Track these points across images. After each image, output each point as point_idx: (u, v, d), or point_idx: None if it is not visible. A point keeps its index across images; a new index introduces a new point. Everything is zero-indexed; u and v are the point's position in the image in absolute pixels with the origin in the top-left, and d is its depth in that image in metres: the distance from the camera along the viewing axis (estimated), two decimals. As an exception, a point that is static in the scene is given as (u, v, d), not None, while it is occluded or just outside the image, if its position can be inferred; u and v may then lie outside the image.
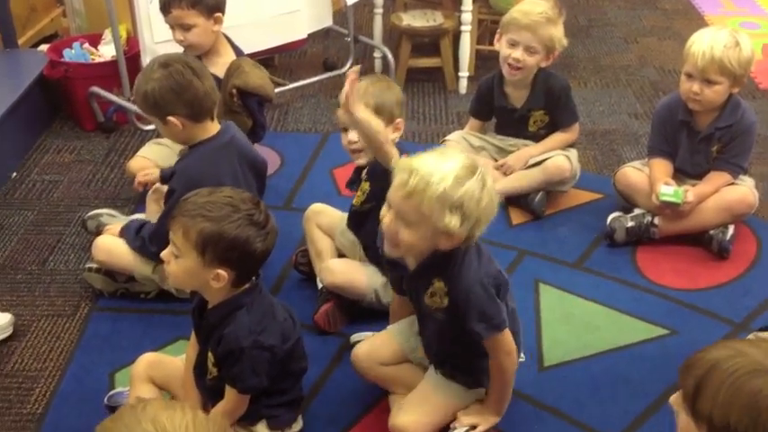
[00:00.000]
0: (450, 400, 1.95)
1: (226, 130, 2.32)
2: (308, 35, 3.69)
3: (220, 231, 1.67)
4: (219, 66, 2.74)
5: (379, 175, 2.08)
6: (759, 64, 3.89)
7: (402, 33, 3.78)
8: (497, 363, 1.88)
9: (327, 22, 3.75)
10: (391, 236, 1.78)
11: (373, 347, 2.06)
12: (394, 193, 1.75)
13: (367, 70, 3.91)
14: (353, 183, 2.35)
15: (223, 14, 2.73)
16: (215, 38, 2.75)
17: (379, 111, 2.18)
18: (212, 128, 2.28)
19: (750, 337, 2.08)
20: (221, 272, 1.69)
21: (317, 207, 2.48)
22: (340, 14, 3.93)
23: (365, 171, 2.26)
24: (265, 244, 1.71)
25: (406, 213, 1.73)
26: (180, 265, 1.72)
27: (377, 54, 3.90)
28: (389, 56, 3.77)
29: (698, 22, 4.46)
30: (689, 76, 2.59)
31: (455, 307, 1.82)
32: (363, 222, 2.27)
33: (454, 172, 1.71)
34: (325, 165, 3.15)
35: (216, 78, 2.69)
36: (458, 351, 1.91)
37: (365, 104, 2.12)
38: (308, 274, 2.48)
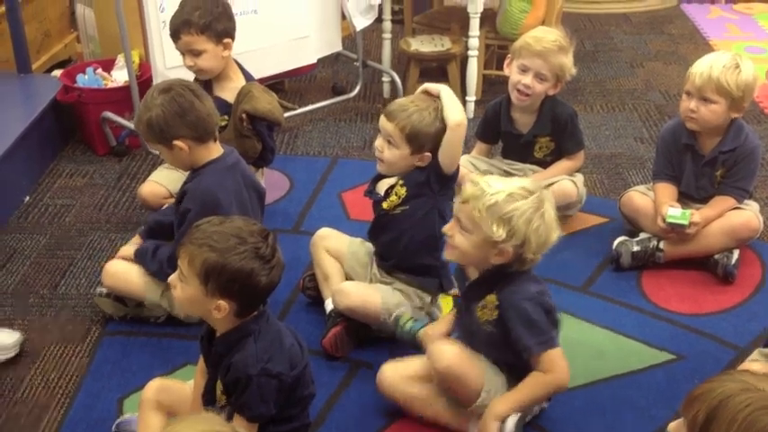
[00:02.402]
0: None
1: (230, 152, 2.34)
2: (318, 60, 3.71)
3: (224, 263, 1.66)
4: (230, 91, 2.76)
5: (420, 182, 2.24)
6: (764, 88, 3.89)
7: (410, 58, 3.80)
8: (547, 378, 1.93)
9: (337, 47, 3.77)
10: (449, 238, 1.97)
11: (402, 361, 2.10)
12: (457, 200, 1.96)
13: (375, 95, 3.93)
14: (371, 192, 2.38)
15: (233, 40, 2.75)
16: (225, 63, 2.77)
17: (410, 139, 2.20)
18: (216, 149, 2.29)
19: (754, 355, 2.06)
20: (222, 303, 1.68)
21: (324, 232, 2.48)
22: (349, 40, 3.96)
23: (401, 177, 2.28)
24: (269, 278, 1.70)
25: (462, 218, 1.93)
26: (184, 292, 1.72)
27: (385, 78, 3.91)
28: (398, 80, 3.78)
29: (703, 46, 4.46)
30: (688, 94, 2.62)
31: (504, 320, 1.92)
32: (389, 227, 2.29)
33: (510, 190, 1.90)
34: (333, 189, 3.16)
35: (226, 103, 2.74)
36: (510, 358, 1.97)
37: (402, 127, 2.20)
38: (316, 299, 2.47)
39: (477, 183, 1.92)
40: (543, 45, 2.77)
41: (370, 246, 2.44)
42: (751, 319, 2.44)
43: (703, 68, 2.58)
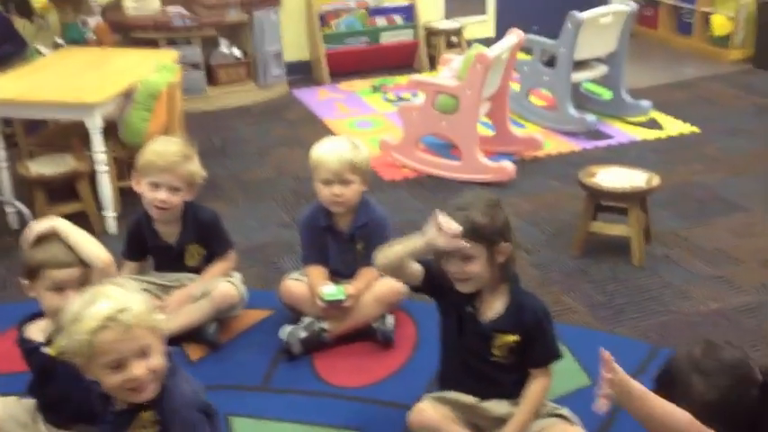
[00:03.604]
0: None
1: None
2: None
3: None
4: None
5: None
6: (378, 158, 4.35)
7: (34, 183, 3.59)
8: None
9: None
10: None
11: None
12: None
13: (1, 229, 3.64)
14: (24, 340, 2.19)
15: None
16: None
17: None
18: None
19: (424, 401, 2.29)
20: None
21: None
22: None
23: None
24: None
25: None
26: None
27: (9, 209, 3.64)
28: (24, 209, 3.55)
29: (320, 127, 4.87)
30: (327, 182, 2.83)
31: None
32: (58, 376, 2.11)
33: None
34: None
35: None
36: None
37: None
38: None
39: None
40: (168, 159, 2.80)
41: (29, 402, 2.23)
42: (416, 375, 2.67)
43: (334, 154, 2.82)
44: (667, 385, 1.86)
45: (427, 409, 2.27)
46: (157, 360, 1.81)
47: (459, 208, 2.17)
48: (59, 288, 2.14)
